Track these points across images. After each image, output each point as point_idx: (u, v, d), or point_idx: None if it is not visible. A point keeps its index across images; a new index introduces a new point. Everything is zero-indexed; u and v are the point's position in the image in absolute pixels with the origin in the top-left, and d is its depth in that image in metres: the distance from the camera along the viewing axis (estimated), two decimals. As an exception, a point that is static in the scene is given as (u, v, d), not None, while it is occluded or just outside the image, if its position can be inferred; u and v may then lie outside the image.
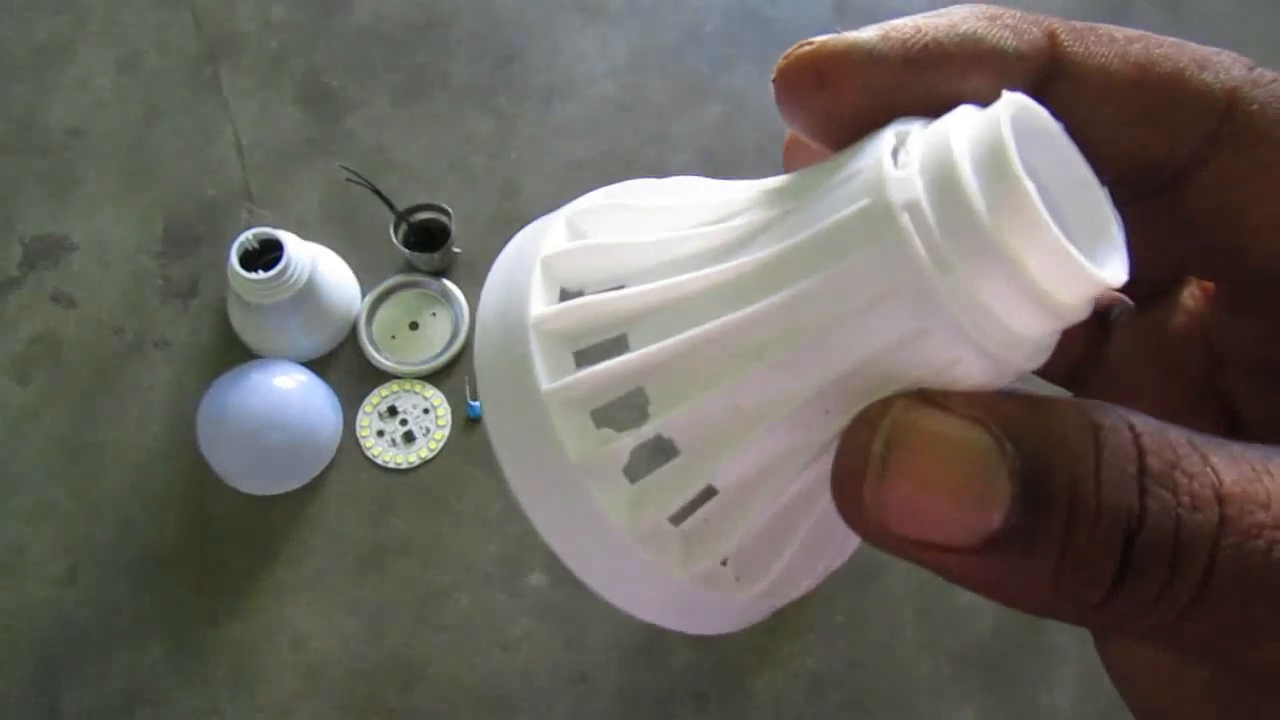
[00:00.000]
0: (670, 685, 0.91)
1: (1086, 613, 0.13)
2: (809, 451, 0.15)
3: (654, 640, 0.92)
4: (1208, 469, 0.13)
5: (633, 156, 1.10)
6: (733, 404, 0.15)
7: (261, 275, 0.90)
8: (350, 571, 0.94)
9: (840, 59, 0.16)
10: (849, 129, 0.16)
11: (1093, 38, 0.16)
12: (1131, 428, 0.13)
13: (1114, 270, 0.14)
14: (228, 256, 0.91)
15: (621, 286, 0.17)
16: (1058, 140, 0.15)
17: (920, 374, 0.14)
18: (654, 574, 0.16)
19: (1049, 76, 0.16)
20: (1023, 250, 0.13)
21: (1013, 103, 0.14)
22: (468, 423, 0.99)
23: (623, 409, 0.18)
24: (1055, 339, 0.15)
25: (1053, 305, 0.13)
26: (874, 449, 0.14)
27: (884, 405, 0.14)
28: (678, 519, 0.17)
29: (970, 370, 0.14)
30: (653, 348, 0.15)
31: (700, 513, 0.17)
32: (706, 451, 0.16)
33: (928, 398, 0.14)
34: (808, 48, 0.16)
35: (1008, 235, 0.13)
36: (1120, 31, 0.16)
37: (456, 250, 1.04)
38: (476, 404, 0.98)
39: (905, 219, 0.13)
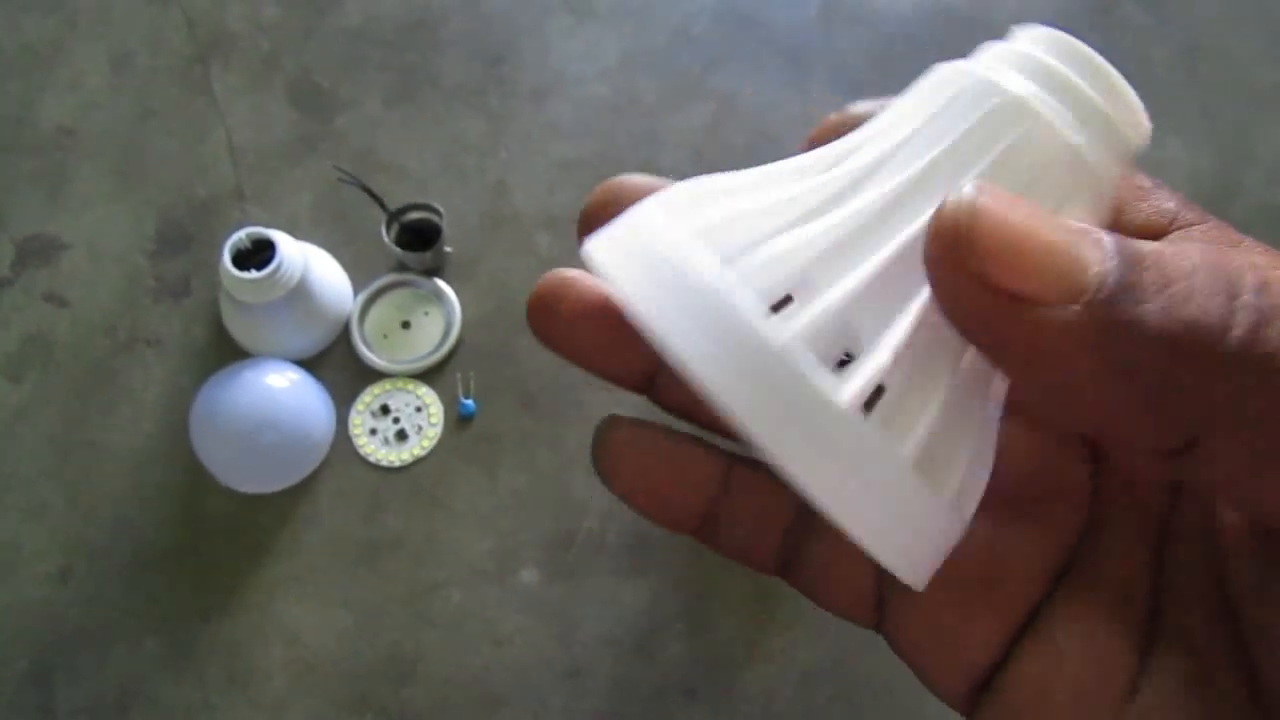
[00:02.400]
0: (662, 680, 0.92)
1: (1184, 368, 0.14)
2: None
3: (646, 635, 0.93)
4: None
5: (623, 156, 1.11)
6: (896, 274, 0.17)
7: (254, 274, 0.90)
8: (343, 568, 0.94)
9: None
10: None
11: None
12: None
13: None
14: (220, 256, 0.91)
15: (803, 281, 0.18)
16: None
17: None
18: (879, 458, 0.16)
19: None
20: (1120, 120, 0.18)
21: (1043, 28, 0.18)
22: (460, 421, 0.99)
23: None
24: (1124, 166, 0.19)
25: (1125, 144, 0.18)
26: (965, 193, 0.15)
27: (970, 187, 0.15)
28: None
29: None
30: (896, 329, 0.17)
31: (885, 398, 0.17)
32: (882, 334, 0.17)
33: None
34: (841, 116, 0.20)
35: (1108, 106, 0.17)
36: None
37: (448, 249, 1.04)
38: (469, 402, 0.99)
39: (1038, 104, 0.17)
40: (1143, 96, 0.20)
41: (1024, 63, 0.17)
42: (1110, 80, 0.17)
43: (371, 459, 0.98)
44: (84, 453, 0.97)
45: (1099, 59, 0.17)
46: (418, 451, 0.98)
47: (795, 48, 1.18)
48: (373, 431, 0.99)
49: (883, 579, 0.21)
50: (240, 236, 0.92)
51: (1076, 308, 0.14)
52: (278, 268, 0.91)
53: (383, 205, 1.00)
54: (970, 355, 0.17)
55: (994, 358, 0.16)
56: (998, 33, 0.19)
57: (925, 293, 0.17)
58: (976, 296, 0.15)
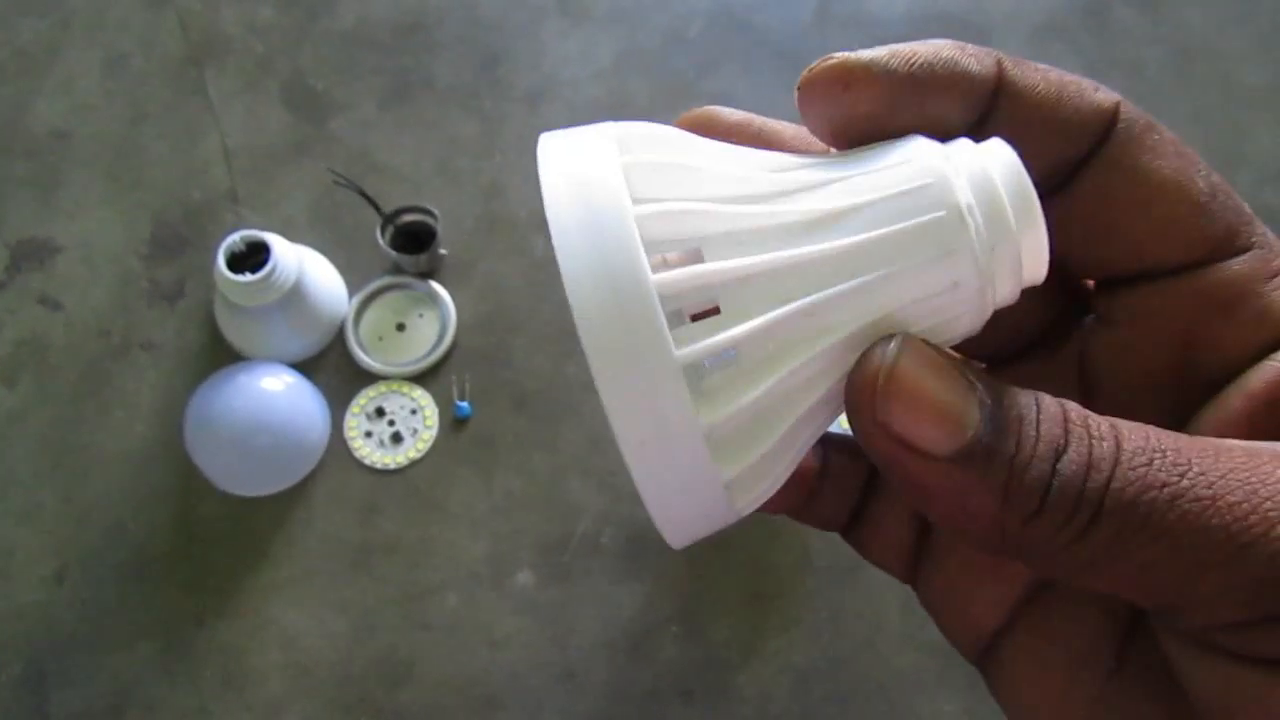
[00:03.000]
0: (657, 681, 0.92)
1: (1019, 529, 0.17)
2: (830, 380, 0.19)
3: (641, 637, 0.93)
4: (1112, 425, 0.17)
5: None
6: (799, 325, 0.19)
7: (248, 277, 0.90)
8: (338, 572, 0.94)
9: (862, 70, 0.20)
10: (862, 128, 0.21)
11: (1026, 66, 0.21)
12: (1055, 398, 0.18)
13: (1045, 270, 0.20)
14: (214, 259, 0.91)
15: (697, 250, 0.19)
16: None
17: (944, 315, 0.19)
18: (707, 482, 0.18)
19: (996, 92, 0.20)
20: (1026, 249, 0.19)
21: (1009, 149, 0.19)
22: (455, 423, 0.99)
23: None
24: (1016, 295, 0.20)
25: (1023, 283, 0.20)
26: (888, 353, 0.18)
27: (892, 343, 0.18)
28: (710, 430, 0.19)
29: (966, 320, 0.19)
30: (760, 320, 0.18)
31: (733, 421, 0.19)
32: (767, 365, 0.19)
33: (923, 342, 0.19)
34: (833, 61, 0.20)
35: (1023, 239, 0.19)
36: (1043, 65, 0.21)
37: (443, 252, 1.04)
38: (464, 404, 0.99)
39: (971, 226, 0.19)
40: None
41: (979, 182, 0.19)
42: (1033, 218, 0.19)
43: (367, 462, 0.98)
44: (78, 456, 0.97)
45: (1036, 206, 0.19)
46: (413, 454, 0.98)
47: (789, 51, 1.18)
48: (368, 434, 0.99)
49: (919, 542, 0.25)
50: (234, 239, 0.92)
51: (949, 460, 0.17)
52: (272, 271, 0.91)
53: (377, 208, 1.00)
54: (823, 393, 0.19)
55: (884, 474, 0.19)
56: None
57: (809, 303, 0.18)
58: (880, 438, 0.18)
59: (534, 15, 1.19)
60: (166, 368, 1.01)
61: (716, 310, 0.19)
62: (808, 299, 0.18)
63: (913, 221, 0.18)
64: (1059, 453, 0.17)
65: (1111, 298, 0.22)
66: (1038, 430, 0.17)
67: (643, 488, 0.18)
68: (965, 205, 0.18)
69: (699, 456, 0.18)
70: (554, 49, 1.17)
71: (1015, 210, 0.19)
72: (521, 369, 1.01)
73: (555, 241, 0.18)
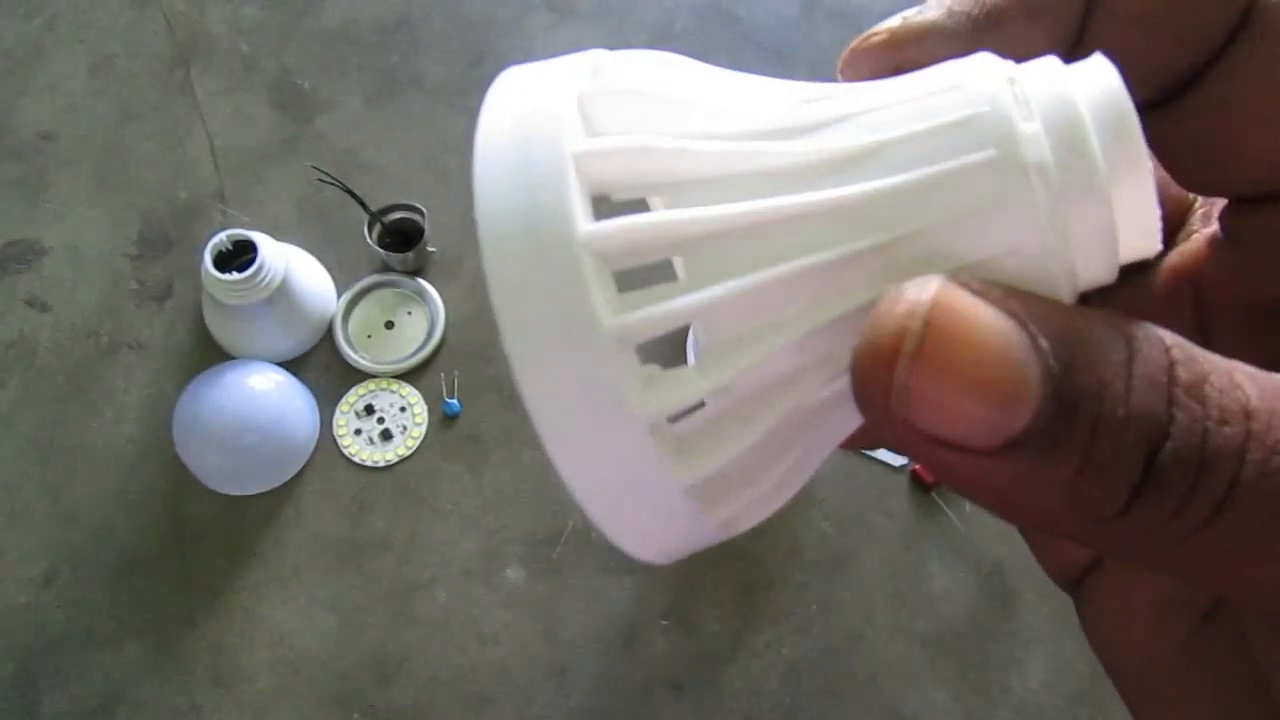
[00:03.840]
0: (647, 676, 0.92)
1: (1092, 527, 0.13)
2: (828, 371, 0.15)
3: (631, 631, 0.93)
4: (1236, 386, 0.13)
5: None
6: (786, 297, 0.14)
7: (235, 276, 0.90)
8: (328, 569, 0.94)
9: (916, 39, 0.17)
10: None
11: None
12: (1161, 339, 0.13)
13: (1155, 241, 0.15)
14: (201, 258, 0.91)
15: (655, 197, 0.15)
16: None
17: (978, 256, 0.14)
18: (652, 477, 0.15)
19: (1087, 9, 0.16)
20: (1124, 207, 0.14)
21: (1112, 67, 0.14)
22: (444, 420, 0.99)
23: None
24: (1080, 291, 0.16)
25: (1114, 261, 0.15)
26: (912, 326, 0.13)
27: (923, 283, 0.13)
28: (675, 419, 0.15)
29: (1021, 267, 0.14)
30: (729, 286, 0.14)
31: (701, 414, 0.15)
32: (728, 351, 0.15)
33: (965, 282, 0.13)
34: (881, 36, 0.17)
35: (1119, 192, 0.14)
36: None
37: (431, 249, 1.04)
38: (453, 401, 0.99)
39: (1034, 171, 0.14)
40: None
41: (1055, 113, 0.14)
42: (1135, 163, 0.14)
43: (356, 459, 0.98)
44: (67, 456, 0.97)
45: (1141, 149, 0.14)
46: (402, 451, 0.98)
47: (777, 44, 1.18)
48: (357, 432, 0.99)
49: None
50: (221, 238, 0.92)
51: (995, 455, 0.13)
52: (259, 269, 0.91)
53: (365, 206, 1.00)
54: (829, 385, 0.15)
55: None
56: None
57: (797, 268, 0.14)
58: (898, 432, 0.13)
59: (520, 11, 1.19)
60: (155, 367, 1.01)
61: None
62: (798, 262, 0.14)
63: (950, 164, 0.14)
64: (1156, 437, 0.12)
65: (1238, 215, 0.18)
66: (1128, 403, 0.12)
67: (581, 494, 0.15)
68: (1026, 137, 0.14)
69: (641, 453, 0.14)
70: (541, 45, 1.17)
71: (1108, 152, 0.14)
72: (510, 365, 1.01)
73: (475, 186, 0.14)
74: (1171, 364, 0.13)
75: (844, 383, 0.15)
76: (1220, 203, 0.18)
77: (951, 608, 0.95)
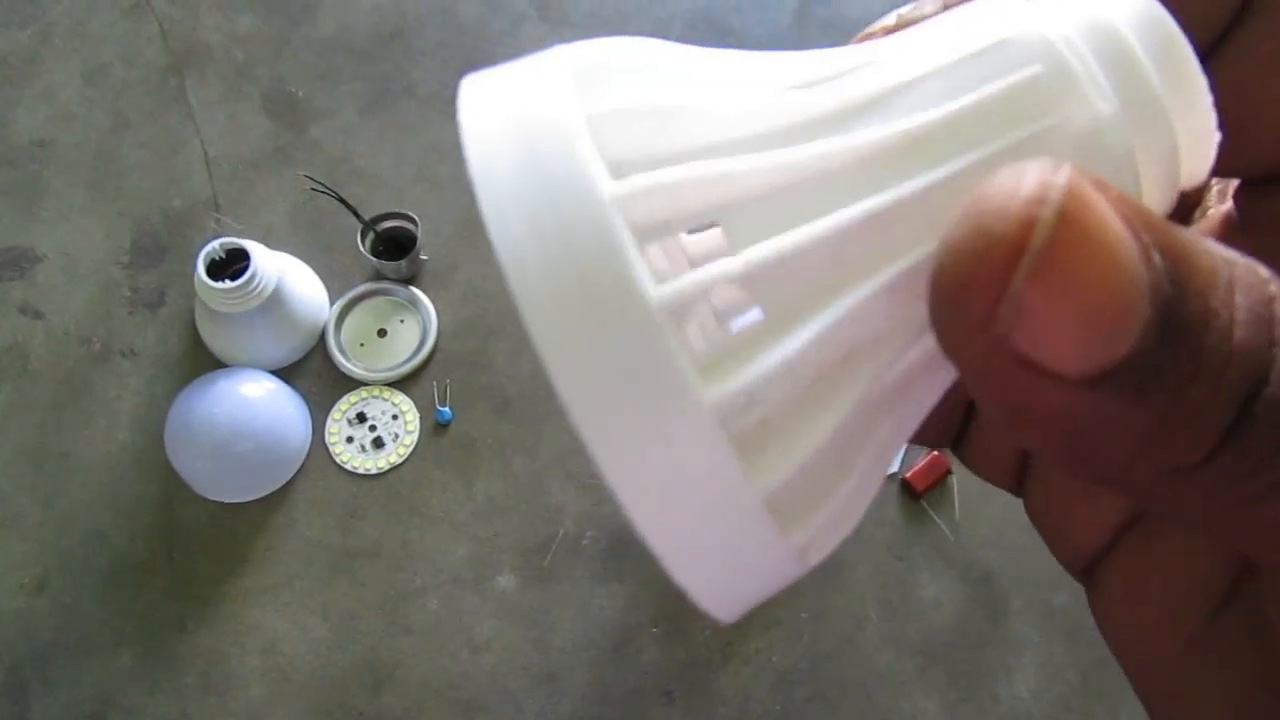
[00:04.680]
0: (639, 682, 0.92)
1: (1165, 477, 0.11)
2: (904, 339, 0.13)
3: (622, 639, 0.93)
4: None
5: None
6: (836, 252, 0.13)
7: (228, 284, 0.91)
8: (320, 576, 0.94)
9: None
10: None
11: None
12: (1258, 268, 0.12)
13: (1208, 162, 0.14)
14: (194, 266, 0.91)
15: (710, 224, 0.14)
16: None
17: None
18: (720, 475, 0.12)
19: None
20: (1182, 129, 0.13)
21: None
22: (436, 428, 1.00)
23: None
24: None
25: (1175, 181, 0.14)
26: (1044, 215, 0.10)
27: (1050, 165, 0.11)
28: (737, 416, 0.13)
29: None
30: (772, 247, 0.12)
31: (760, 411, 0.13)
32: (794, 315, 0.13)
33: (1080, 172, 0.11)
34: (875, 32, 0.16)
35: (1177, 109, 0.13)
36: None
37: (424, 258, 1.05)
38: (445, 409, 1.00)
39: (1085, 79, 0.13)
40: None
41: (1096, 29, 0.13)
42: (1188, 78, 0.13)
43: (348, 467, 0.98)
44: (59, 463, 0.97)
45: (1192, 61, 0.13)
46: (394, 459, 0.99)
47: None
48: (349, 439, 0.99)
49: (1024, 457, 0.21)
50: (214, 246, 0.92)
51: (1082, 384, 0.11)
52: (252, 277, 0.91)
53: (357, 215, 1.00)
54: (888, 376, 0.14)
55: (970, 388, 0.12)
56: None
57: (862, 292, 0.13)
58: (986, 355, 0.11)
59: (513, 21, 1.19)
60: (147, 375, 1.01)
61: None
62: (842, 216, 0.12)
63: (991, 87, 0.13)
64: (1257, 378, 0.11)
65: (1250, 198, 0.17)
66: (1231, 336, 0.11)
67: (650, 537, 0.13)
68: (1067, 42, 0.13)
69: (712, 451, 0.12)
70: (533, 54, 1.17)
71: (1160, 68, 0.13)
72: (502, 374, 1.02)
73: (500, 254, 0.12)
74: (1273, 298, 0.11)
75: (921, 350, 0.13)
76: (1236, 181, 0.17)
77: (941, 615, 0.96)
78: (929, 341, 0.13)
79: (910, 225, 0.13)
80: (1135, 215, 0.11)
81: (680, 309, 0.12)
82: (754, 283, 0.13)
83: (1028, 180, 0.10)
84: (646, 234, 0.12)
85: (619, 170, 0.13)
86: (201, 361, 1.01)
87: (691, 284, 0.12)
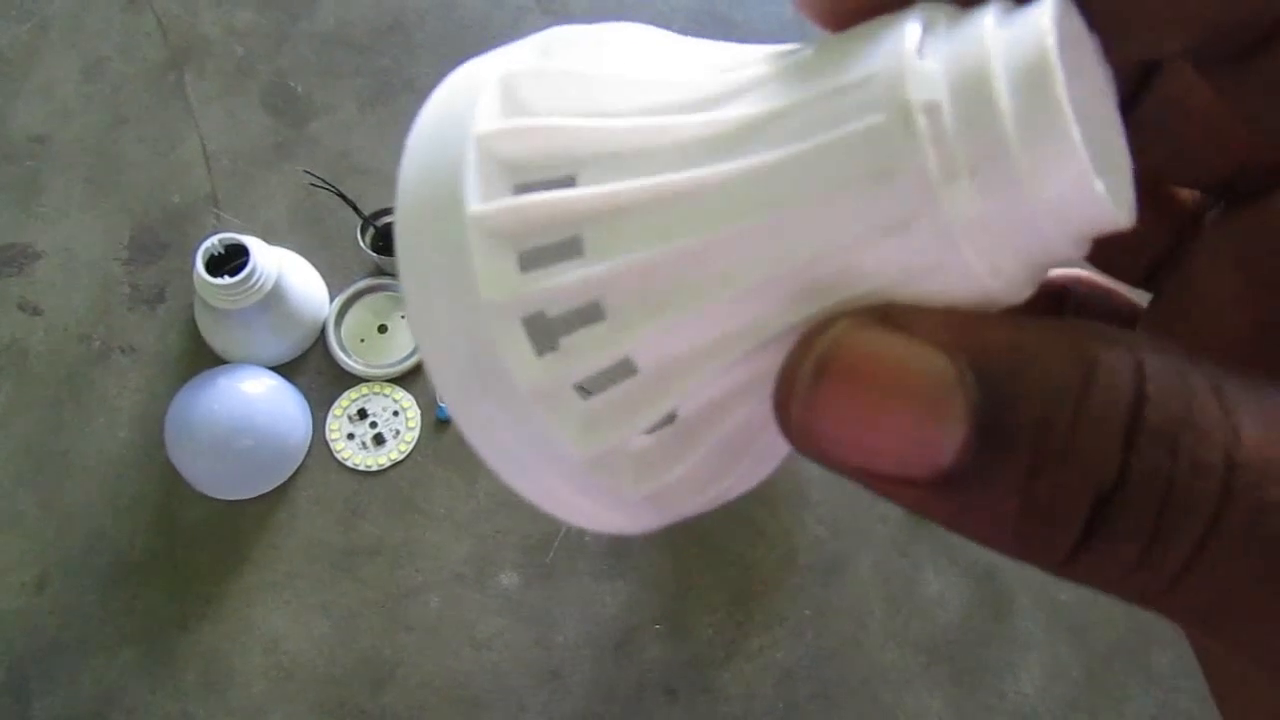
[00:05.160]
0: (641, 680, 0.92)
1: (1054, 567, 0.12)
2: (745, 344, 0.14)
3: (625, 637, 0.93)
4: (1227, 427, 0.11)
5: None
6: (677, 270, 0.14)
7: (227, 280, 0.90)
8: (321, 574, 0.94)
9: None
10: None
11: None
12: (1139, 368, 0.11)
13: (1126, 209, 0.13)
14: (194, 262, 0.91)
15: (571, 175, 0.15)
16: (1086, 50, 0.13)
17: (891, 276, 0.13)
18: (545, 443, 0.15)
19: None
20: (1043, 177, 0.12)
21: (1056, 4, 0.12)
22: (438, 424, 0.99)
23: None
24: (1042, 276, 0.14)
25: (1056, 241, 0.12)
26: (804, 367, 0.12)
27: (828, 322, 0.13)
28: (587, 393, 0.15)
29: (947, 285, 0.13)
30: (604, 187, 0.14)
31: (611, 390, 0.15)
32: (635, 319, 0.14)
33: (883, 314, 0.13)
34: None
35: (1031, 158, 0.12)
36: None
37: (424, 253, 1.04)
38: (446, 406, 0.99)
39: (921, 121, 0.12)
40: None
41: (965, 67, 0.12)
42: (1058, 131, 0.12)
43: (349, 464, 0.98)
44: (59, 461, 0.97)
45: (1057, 102, 0.12)
46: (395, 456, 0.98)
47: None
48: (350, 436, 0.99)
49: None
50: (213, 242, 0.91)
51: (923, 489, 0.12)
52: (251, 273, 0.91)
53: (357, 210, 1.00)
54: (740, 368, 0.15)
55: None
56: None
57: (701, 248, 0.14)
58: (822, 463, 0.13)
59: (515, 14, 1.18)
60: (147, 372, 1.00)
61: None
62: (693, 237, 0.13)
63: (838, 131, 0.13)
64: (1105, 482, 0.11)
65: (1230, 216, 0.16)
66: (1071, 443, 0.11)
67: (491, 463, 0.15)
68: (917, 103, 0.12)
69: (531, 421, 0.15)
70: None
71: (1020, 117, 0.12)
72: (504, 369, 1.01)
73: (399, 171, 0.15)
74: (1140, 399, 0.11)
75: (756, 373, 0.14)
76: None
77: (946, 613, 0.95)
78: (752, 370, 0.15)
79: (731, 259, 0.14)
80: (954, 336, 0.12)
81: (490, 223, 0.14)
82: (599, 290, 0.14)
83: (804, 335, 0.13)
84: (504, 167, 0.15)
85: (525, 114, 0.15)
86: (201, 358, 1.00)
87: (507, 205, 0.14)
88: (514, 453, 0.15)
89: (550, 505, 0.16)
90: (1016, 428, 0.11)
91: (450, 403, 0.15)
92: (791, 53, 0.15)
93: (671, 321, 0.14)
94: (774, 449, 0.17)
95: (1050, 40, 0.12)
